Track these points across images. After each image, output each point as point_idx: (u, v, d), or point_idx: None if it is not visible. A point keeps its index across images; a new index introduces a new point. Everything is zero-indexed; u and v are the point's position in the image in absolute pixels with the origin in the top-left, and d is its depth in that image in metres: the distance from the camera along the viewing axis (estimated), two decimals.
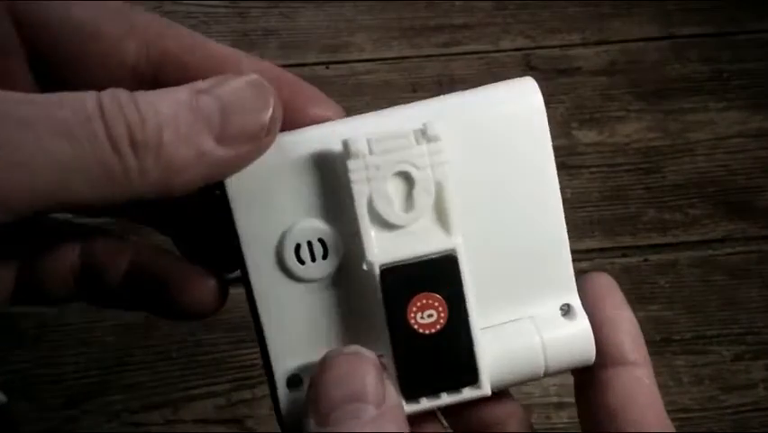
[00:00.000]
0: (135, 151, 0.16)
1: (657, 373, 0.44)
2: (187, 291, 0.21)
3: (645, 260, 0.46)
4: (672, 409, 0.41)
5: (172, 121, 0.16)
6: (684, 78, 0.53)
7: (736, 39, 0.55)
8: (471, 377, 0.19)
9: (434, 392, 0.19)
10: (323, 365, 0.18)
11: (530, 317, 0.21)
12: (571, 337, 0.20)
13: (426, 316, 0.19)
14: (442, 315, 0.19)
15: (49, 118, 0.15)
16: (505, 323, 0.20)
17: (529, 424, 0.22)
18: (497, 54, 0.54)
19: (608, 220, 0.47)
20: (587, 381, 0.21)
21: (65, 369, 0.42)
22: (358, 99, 0.52)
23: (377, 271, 0.19)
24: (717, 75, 0.53)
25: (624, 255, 0.46)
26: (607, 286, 0.22)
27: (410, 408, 0.19)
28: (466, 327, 0.19)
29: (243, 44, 0.54)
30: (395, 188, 0.19)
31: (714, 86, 0.53)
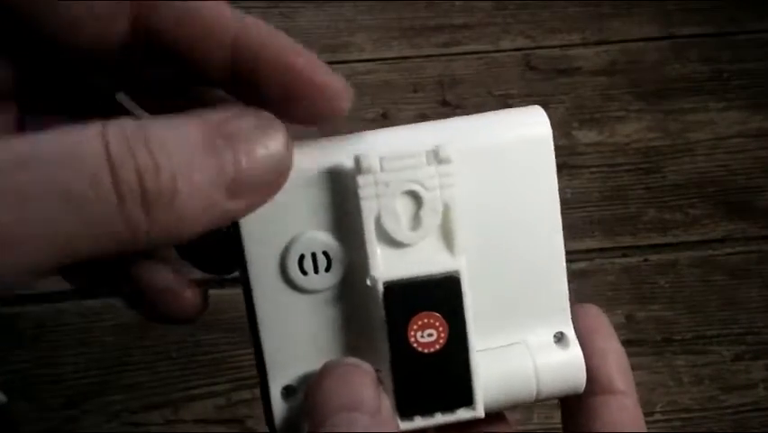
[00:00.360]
0: (146, 206, 0.15)
1: (657, 373, 0.44)
2: (168, 299, 0.21)
3: (645, 260, 0.46)
4: (672, 410, 0.41)
5: (186, 168, 0.15)
6: (684, 78, 0.53)
7: (736, 39, 0.55)
8: (466, 398, 0.19)
9: (429, 412, 0.19)
10: (322, 374, 0.18)
11: (525, 342, 0.21)
12: (564, 365, 0.21)
13: (427, 335, 0.19)
14: (442, 335, 0.19)
15: (49, 183, 0.14)
16: (501, 347, 0.21)
17: None
18: (497, 54, 0.54)
19: (608, 220, 0.47)
20: (575, 407, 0.22)
21: (65, 369, 0.42)
22: (358, 99, 0.52)
23: (380, 287, 0.19)
24: (717, 75, 0.53)
25: (624, 255, 0.46)
26: (597, 318, 0.22)
27: (404, 425, 0.19)
28: (464, 348, 0.19)
29: None
30: (403, 207, 0.19)
31: (714, 86, 0.53)
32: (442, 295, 0.19)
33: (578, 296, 0.45)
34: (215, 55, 0.18)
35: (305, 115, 0.19)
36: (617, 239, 0.47)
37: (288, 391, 0.20)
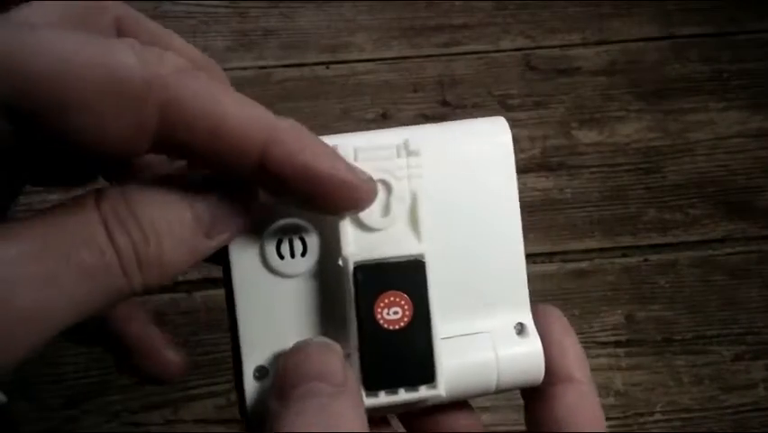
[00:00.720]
0: (141, 268, 0.17)
1: (657, 373, 0.44)
2: (150, 362, 0.23)
3: (645, 260, 0.46)
4: (672, 410, 0.41)
5: (168, 231, 0.18)
6: (684, 78, 0.53)
7: (736, 39, 0.55)
8: (429, 375, 0.20)
9: (393, 386, 0.20)
10: (292, 350, 0.20)
11: (487, 332, 0.22)
12: (524, 356, 0.22)
13: (392, 312, 0.20)
14: (407, 313, 0.20)
15: (64, 265, 0.16)
16: (463, 335, 0.22)
17: None
18: (497, 54, 0.54)
19: (608, 220, 0.47)
20: (536, 395, 0.23)
21: (65, 369, 0.42)
22: (358, 99, 0.52)
23: (351, 266, 0.20)
24: (717, 75, 0.53)
25: (624, 255, 0.46)
26: (555, 314, 0.23)
27: (369, 401, 0.20)
28: (427, 327, 0.20)
29: (243, 44, 0.54)
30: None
31: (714, 86, 0.53)
32: (407, 276, 0.20)
33: (578, 296, 0.45)
34: (244, 162, 0.18)
35: (328, 210, 0.20)
36: (617, 239, 0.47)
37: (260, 373, 0.21)
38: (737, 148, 0.51)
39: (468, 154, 0.22)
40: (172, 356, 0.23)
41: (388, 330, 0.20)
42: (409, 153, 0.21)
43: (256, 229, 0.21)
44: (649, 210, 0.48)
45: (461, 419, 0.23)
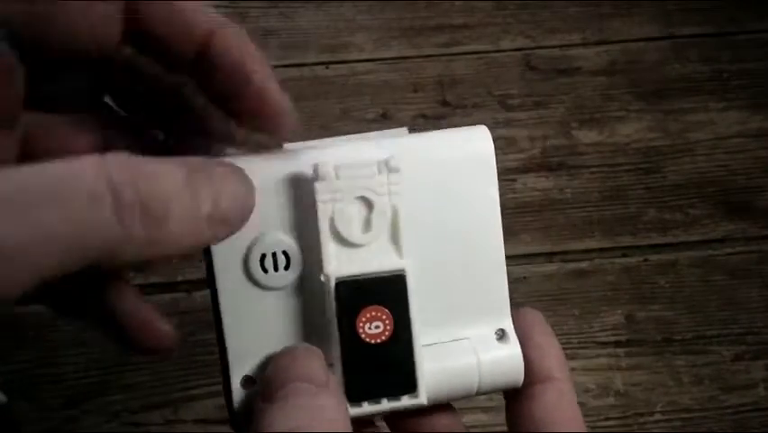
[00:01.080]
0: (143, 221, 0.17)
1: (657, 373, 0.44)
2: (144, 335, 0.23)
3: (645, 260, 0.46)
4: (672, 410, 0.41)
5: (176, 198, 0.18)
6: (684, 78, 0.53)
7: (736, 39, 0.55)
8: (410, 386, 0.21)
9: (376, 397, 0.21)
10: (277, 355, 0.21)
11: (469, 338, 0.23)
12: (504, 360, 0.23)
13: (374, 327, 0.21)
14: (388, 327, 0.21)
15: (50, 200, 0.16)
16: (446, 342, 0.22)
17: None
18: (497, 54, 0.54)
19: (608, 220, 0.47)
20: (516, 395, 0.23)
21: (65, 369, 0.42)
22: (358, 99, 0.52)
23: (332, 282, 0.21)
24: (717, 75, 0.53)
25: (624, 255, 0.46)
26: (535, 317, 0.24)
27: (354, 411, 0.21)
28: (409, 340, 0.21)
29: None
30: (356, 211, 0.21)
31: (714, 86, 0.53)
32: (388, 291, 0.21)
33: (578, 296, 0.45)
34: (187, 47, 0.21)
35: (248, 122, 0.22)
36: (617, 239, 0.47)
37: (247, 382, 0.22)
38: (737, 148, 0.51)
39: (449, 166, 0.22)
40: (165, 328, 0.23)
41: (369, 344, 0.21)
42: (390, 170, 0.21)
43: (240, 243, 0.21)
44: (649, 210, 0.48)
45: (442, 419, 0.24)
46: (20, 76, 0.19)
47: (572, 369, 0.42)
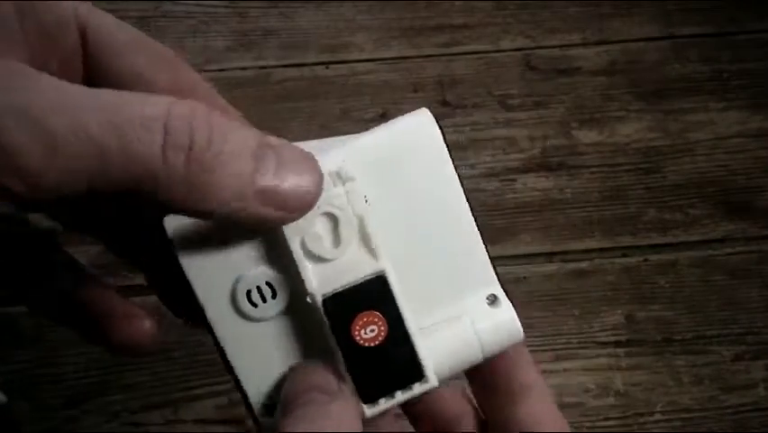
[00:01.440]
0: (187, 160, 0.17)
1: (657, 373, 0.44)
2: (122, 329, 0.24)
3: (645, 260, 0.46)
4: (672, 410, 0.41)
5: (231, 157, 0.18)
6: (684, 78, 0.53)
7: (736, 39, 0.55)
8: (418, 374, 0.22)
9: (389, 393, 0.22)
10: (290, 373, 0.22)
11: (464, 312, 0.23)
12: (500, 323, 0.23)
13: (369, 331, 0.21)
14: (382, 328, 0.21)
15: (103, 113, 0.17)
16: (443, 321, 0.23)
17: (482, 422, 0.25)
18: (497, 54, 0.54)
19: (608, 220, 0.47)
20: (498, 413, 0.24)
21: (65, 369, 0.42)
22: (358, 99, 0.52)
23: (319, 301, 0.21)
24: (717, 75, 0.53)
25: (624, 255, 0.46)
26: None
27: (372, 410, 0.22)
28: (405, 334, 0.21)
29: (243, 44, 0.54)
30: (324, 227, 0.22)
31: (714, 86, 0.53)
32: (374, 294, 0.21)
33: (578, 296, 0.45)
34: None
35: None
36: (617, 239, 0.47)
37: (269, 409, 0.23)
38: (737, 148, 0.51)
39: (401, 156, 0.22)
40: (147, 325, 0.24)
41: (369, 348, 0.21)
42: (344, 180, 0.21)
43: (223, 285, 0.22)
44: (649, 210, 0.48)
45: (445, 393, 0.25)
46: None
47: (572, 369, 0.42)
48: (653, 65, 0.54)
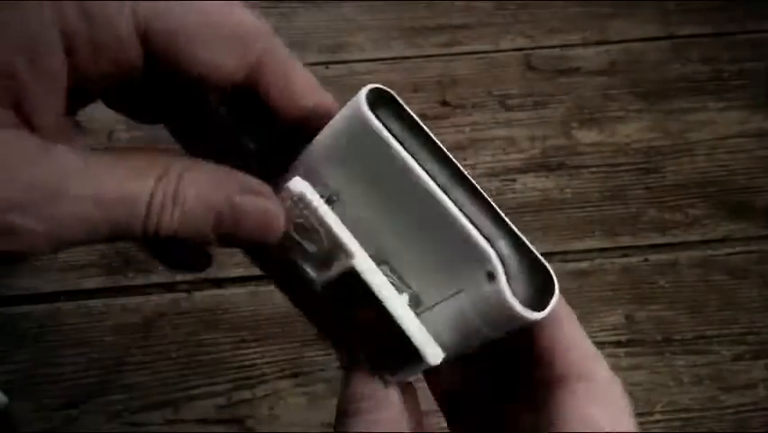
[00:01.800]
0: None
1: (657, 373, 0.44)
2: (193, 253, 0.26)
3: (645, 260, 0.46)
4: (672, 410, 0.41)
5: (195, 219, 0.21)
6: (684, 78, 0.53)
7: (736, 39, 0.55)
8: (417, 358, 0.22)
9: (394, 375, 0.23)
10: (344, 388, 0.24)
11: (463, 289, 0.23)
12: (494, 300, 0.22)
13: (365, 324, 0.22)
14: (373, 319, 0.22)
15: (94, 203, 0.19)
16: (444, 299, 0.23)
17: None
18: (497, 54, 0.54)
19: (608, 220, 0.47)
20: (549, 396, 0.25)
21: (65, 369, 0.42)
22: None
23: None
24: (717, 75, 0.53)
25: (624, 255, 0.46)
26: (563, 310, 0.26)
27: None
28: (392, 321, 0.22)
29: None
30: (303, 238, 0.23)
31: (714, 86, 0.53)
32: (354, 290, 0.22)
33: (578, 296, 0.45)
34: (285, 113, 0.24)
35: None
36: (617, 239, 0.47)
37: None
38: (737, 148, 0.51)
39: (347, 150, 0.23)
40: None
41: (370, 337, 0.23)
42: (298, 200, 0.22)
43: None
44: (649, 210, 0.48)
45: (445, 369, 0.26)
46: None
47: None
48: (653, 65, 0.54)
